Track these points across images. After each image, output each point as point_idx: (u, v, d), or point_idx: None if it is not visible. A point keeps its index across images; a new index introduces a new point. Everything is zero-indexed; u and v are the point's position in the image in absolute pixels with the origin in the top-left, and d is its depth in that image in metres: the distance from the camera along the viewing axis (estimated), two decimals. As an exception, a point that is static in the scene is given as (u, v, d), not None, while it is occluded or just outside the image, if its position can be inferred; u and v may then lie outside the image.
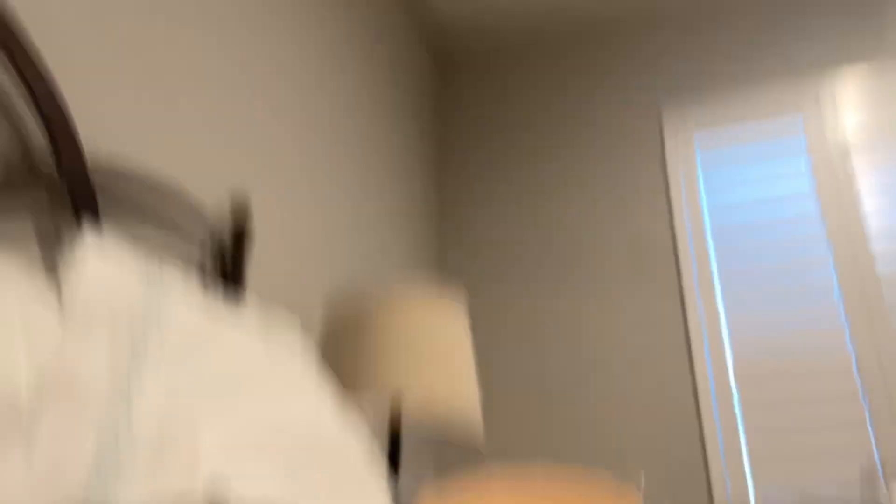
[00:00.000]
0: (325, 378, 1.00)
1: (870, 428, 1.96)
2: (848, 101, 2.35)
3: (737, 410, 2.11)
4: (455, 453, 2.25)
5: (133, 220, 1.28)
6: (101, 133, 1.23)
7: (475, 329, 2.47)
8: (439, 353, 1.45)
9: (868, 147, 2.28)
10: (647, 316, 2.32)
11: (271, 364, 0.89)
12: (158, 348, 0.78)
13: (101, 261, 0.82)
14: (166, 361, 0.78)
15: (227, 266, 1.45)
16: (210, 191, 1.50)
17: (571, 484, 0.40)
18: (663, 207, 2.44)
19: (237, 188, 1.59)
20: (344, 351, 1.47)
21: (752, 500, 1.99)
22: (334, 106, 2.08)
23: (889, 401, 1.98)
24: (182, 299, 0.84)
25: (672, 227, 2.40)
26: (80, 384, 0.72)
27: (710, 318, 2.24)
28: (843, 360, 2.06)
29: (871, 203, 2.20)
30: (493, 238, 2.59)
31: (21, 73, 1.00)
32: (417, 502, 0.41)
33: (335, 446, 0.92)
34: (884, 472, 0.34)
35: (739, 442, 2.07)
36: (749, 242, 2.29)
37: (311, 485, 0.86)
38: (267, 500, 0.77)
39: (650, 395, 2.21)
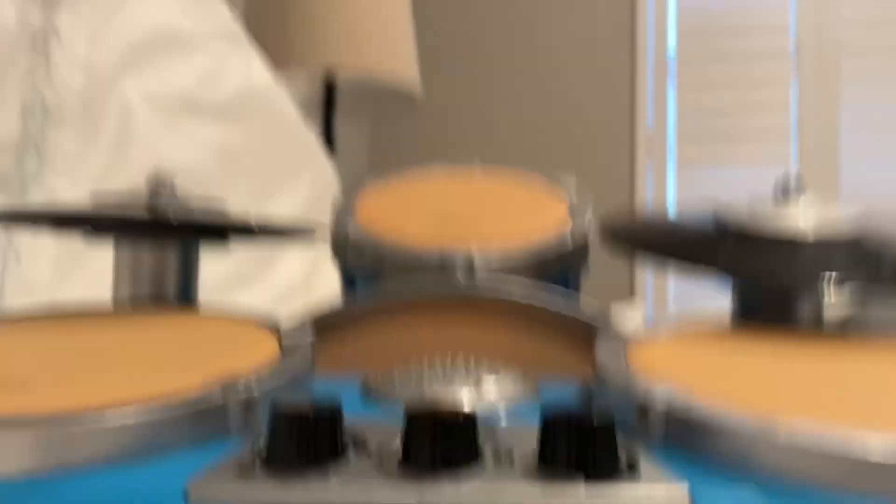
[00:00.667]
0: (252, 44, 0.97)
1: (794, 139, 2.04)
2: None
3: (670, 93, 2.15)
4: (392, 128, 2.29)
5: None
6: None
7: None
8: (376, 17, 1.40)
9: None
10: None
11: (195, 23, 0.85)
12: (69, 2, 0.74)
13: None
14: (83, 13, 0.74)
15: None
16: None
17: (506, 181, 0.42)
18: None
19: None
20: (272, 22, 1.39)
21: (670, 201, 2.12)
22: None
23: (816, 111, 2.03)
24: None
25: None
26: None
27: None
28: (783, 40, 2.07)
29: None
30: None
31: None
32: (356, 192, 0.43)
33: (268, 102, 0.93)
34: (797, 186, 0.37)
35: (667, 142, 2.14)
36: None
37: (245, 141, 0.89)
38: (198, 166, 0.79)
39: (587, 74, 2.22)
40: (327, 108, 1.53)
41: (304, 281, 0.92)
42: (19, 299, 0.62)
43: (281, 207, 0.92)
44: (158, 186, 0.38)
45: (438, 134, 2.32)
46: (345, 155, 2.16)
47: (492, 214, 0.39)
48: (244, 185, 0.86)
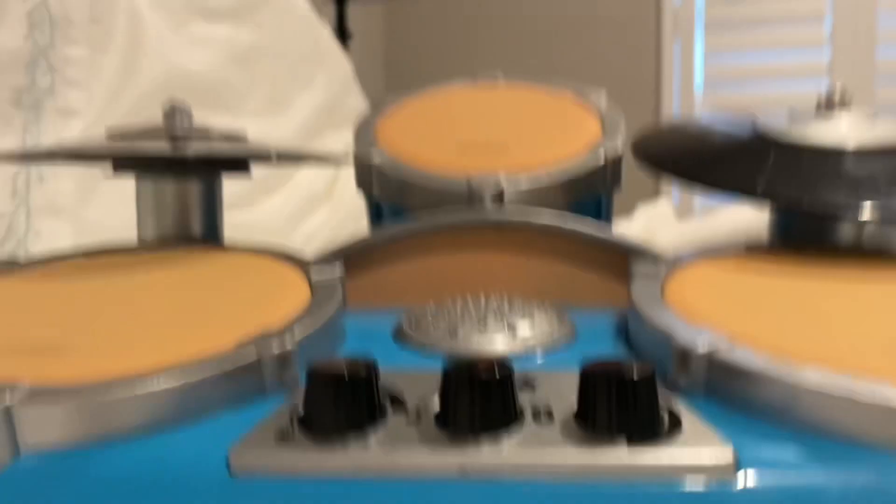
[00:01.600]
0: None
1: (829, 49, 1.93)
2: None
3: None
4: (407, 12, 2.20)
5: None
6: None
7: None
8: None
9: None
10: None
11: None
12: None
13: None
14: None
15: None
16: None
17: (533, 97, 0.40)
18: None
19: None
20: None
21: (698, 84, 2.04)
22: None
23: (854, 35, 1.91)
24: None
25: None
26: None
27: None
28: None
29: None
30: None
31: None
32: (378, 114, 0.41)
33: (280, 1, 0.90)
34: (842, 99, 0.35)
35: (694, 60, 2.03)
36: None
37: (257, 42, 0.86)
38: (211, 71, 0.77)
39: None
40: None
41: (326, 190, 0.91)
42: (46, 221, 0.62)
43: (297, 110, 0.90)
44: (175, 118, 0.37)
45: (457, 22, 2.23)
46: (360, 44, 2.10)
47: (519, 136, 0.37)
48: (258, 88, 0.84)
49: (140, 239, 0.37)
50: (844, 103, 0.35)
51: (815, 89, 0.37)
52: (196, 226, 0.37)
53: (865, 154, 0.32)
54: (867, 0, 1.92)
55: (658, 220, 0.87)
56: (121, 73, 0.71)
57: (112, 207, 0.66)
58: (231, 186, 0.41)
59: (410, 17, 2.28)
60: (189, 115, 0.38)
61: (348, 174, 0.92)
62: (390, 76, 2.28)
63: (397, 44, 2.30)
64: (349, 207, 0.84)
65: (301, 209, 0.83)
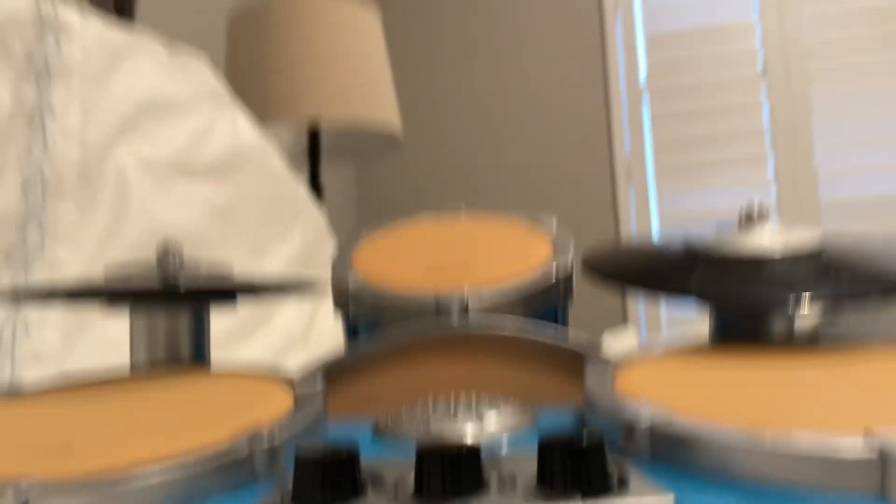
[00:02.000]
0: (237, 102, 1.01)
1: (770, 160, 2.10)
2: None
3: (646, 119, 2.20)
4: (376, 171, 2.33)
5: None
6: None
7: (390, 38, 2.42)
8: (354, 66, 1.44)
9: None
10: (564, 19, 2.30)
11: (182, 88, 0.89)
12: (64, 75, 0.77)
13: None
14: (75, 87, 0.77)
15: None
16: None
17: (491, 224, 0.45)
18: None
19: None
20: (254, 79, 1.43)
21: (655, 227, 2.17)
22: None
23: (788, 130, 2.10)
24: (80, 28, 0.81)
25: None
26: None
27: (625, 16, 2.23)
28: (751, 56, 2.13)
29: None
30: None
31: None
32: (353, 245, 0.46)
33: (257, 158, 0.96)
34: (761, 212, 0.39)
35: (646, 170, 2.19)
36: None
37: (237, 198, 0.92)
38: (193, 226, 0.82)
39: (563, 109, 2.28)
40: (312, 155, 1.57)
41: (303, 332, 0.94)
42: (30, 371, 0.64)
43: (275, 260, 0.94)
44: (167, 254, 0.41)
45: (422, 174, 2.36)
46: (333, 199, 2.19)
47: (480, 258, 0.42)
48: (238, 241, 0.89)
49: (132, 366, 0.40)
50: (763, 216, 0.40)
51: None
52: (185, 353, 0.40)
53: (781, 257, 0.37)
54: (805, 144, 2.08)
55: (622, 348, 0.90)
56: (108, 229, 0.75)
57: (96, 355, 0.69)
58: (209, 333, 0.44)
59: (379, 172, 2.40)
60: (180, 253, 0.42)
61: (324, 317, 0.94)
62: (362, 226, 2.36)
63: (367, 196, 2.41)
64: (326, 349, 0.86)
65: (279, 352, 0.86)
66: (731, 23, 2.16)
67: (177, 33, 1.56)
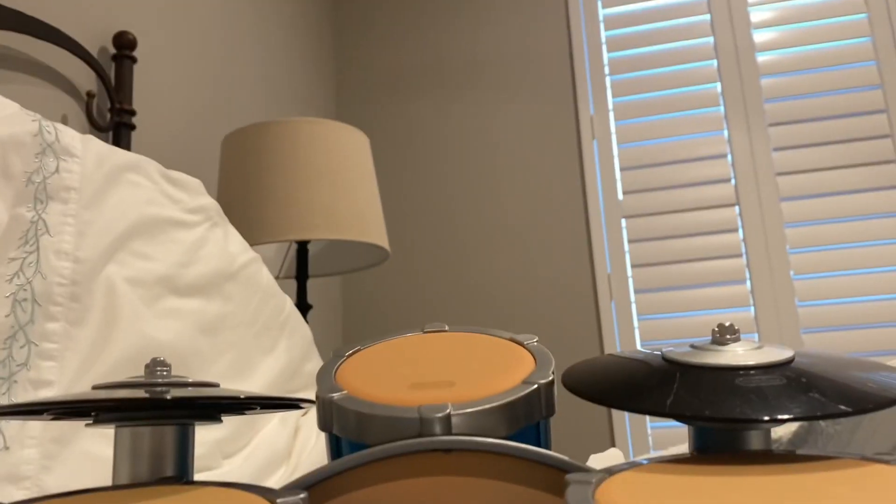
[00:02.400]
0: (228, 222, 1.04)
1: (748, 280, 2.16)
2: None
3: (626, 246, 2.27)
4: (362, 284, 2.37)
5: (9, 66, 1.21)
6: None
7: (376, 158, 2.50)
8: (345, 188, 1.49)
9: (759, -44, 2.31)
10: (543, 143, 2.40)
11: (177, 208, 0.91)
12: (61, 196, 0.79)
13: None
14: (72, 207, 0.80)
15: (115, 112, 1.41)
16: (92, 35, 1.42)
17: (474, 341, 0.47)
18: (561, 21, 2.44)
19: (121, 30, 1.51)
20: (246, 203, 1.47)
21: (638, 342, 2.20)
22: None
23: (763, 253, 2.17)
24: (80, 151, 0.84)
25: (570, 40, 2.42)
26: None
27: (601, 135, 2.33)
28: (724, 172, 2.22)
29: (758, 15, 2.28)
30: (392, 69, 2.55)
31: None
32: (338, 362, 0.47)
33: (247, 277, 0.98)
34: (731, 332, 0.40)
35: (633, 319, 2.24)
36: (644, 57, 2.35)
37: (225, 315, 0.93)
38: (181, 342, 0.82)
39: (545, 228, 2.34)
40: (300, 270, 1.59)
41: (285, 451, 0.93)
42: (6, 488, 0.62)
43: (261, 375, 0.94)
44: (155, 369, 0.41)
45: (407, 290, 2.38)
46: (319, 312, 2.20)
47: (463, 374, 0.43)
48: (225, 357, 0.89)
49: (115, 481, 0.40)
50: (734, 334, 0.42)
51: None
52: (169, 469, 0.40)
53: (754, 372, 0.38)
54: (780, 261, 2.13)
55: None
56: (95, 344, 0.76)
57: (74, 476, 0.68)
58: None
59: (364, 288, 2.42)
60: (168, 368, 0.42)
61: (307, 435, 0.94)
62: (348, 341, 2.36)
63: (352, 312, 2.41)
64: (309, 467, 0.85)
65: (261, 470, 0.84)
66: (702, 142, 2.26)
67: (172, 151, 1.62)
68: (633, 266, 2.23)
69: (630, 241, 2.25)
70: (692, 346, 0.42)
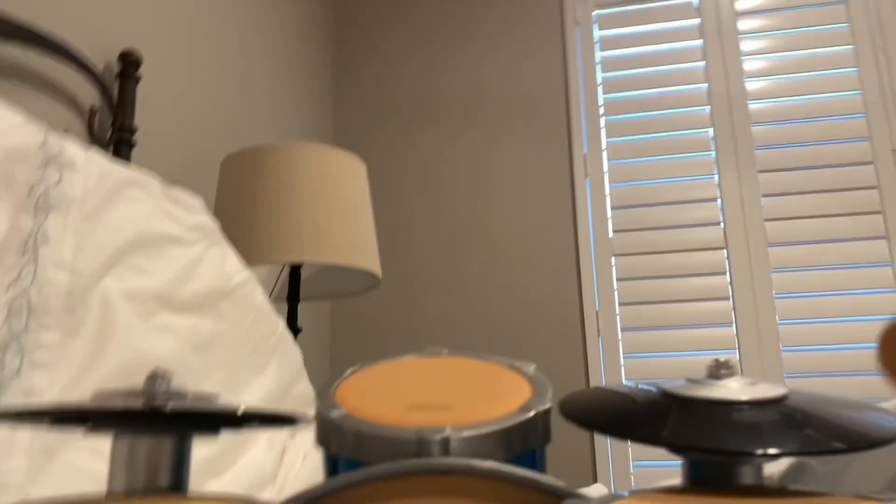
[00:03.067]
0: (225, 242, 1.04)
1: (734, 323, 2.18)
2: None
3: (615, 284, 2.29)
4: (352, 309, 2.37)
5: (15, 79, 1.22)
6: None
7: (371, 186, 2.52)
8: (340, 213, 1.50)
9: (753, 14, 2.37)
10: (537, 181, 2.42)
11: (175, 225, 0.92)
12: (62, 207, 0.80)
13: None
14: (72, 219, 0.80)
15: (116, 128, 1.42)
16: (98, 51, 1.43)
17: (472, 365, 0.48)
18: (558, 62, 2.48)
19: (127, 48, 1.52)
20: (240, 224, 1.48)
21: (624, 378, 2.21)
22: (225, -58, 1.96)
23: (750, 298, 2.19)
24: (83, 163, 0.85)
25: (566, 80, 2.46)
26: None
27: (594, 178, 2.36)
28: (714, 216, 2.25)
29: (751, 65, 2.33)
30: (390, 100, 2.58)
31: None
32: (337, 381, 0.47)
33: (241, 296, 0.98)
34: (728, 367, 0.41)
35: (619, 357, 2.26)
36: (638, 100, 2.39)
37: (218, 333, 0.93)
38: (173, 358, 0.82)
39: (536, 264, 2.36)
40: (292, 293, 1.59)
41: (272, 472, 0.92)
42: (-6, 497, 0.62)
43: (251, 395, 0.94)
44: (155, 380, 0.41)
45: (397, 318, 2.38)
46: (307, 336, 2.20)
47: (462, 398, 0.43)
48: (217, 375, 0.89)
49: (109, 492, 0.40)
50: (729, 369, 0.42)
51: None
52: (165, 480, 0.40)
53: (749, 407, 0.39)
54: (766, 306, 2.15)
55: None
56: (88, 357, 0.75)
57: (60, 488, 0.67)
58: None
59: (354, 313, 2.42)
60: (169, 380, 0.43)
61: (294, 456, 0.93)
62: (335, 366, 2.35)
63: (341, 337, 2.41)
64: (295, 489, 0.85)
65: (247, 491, 0.84)
66: (692, 185, 2.29)
67: (171, 170, 1.62)
68: (620, 304, 2.24)
69: (619, 279, 2.26)
70: (688, 380, 0.42)
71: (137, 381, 0.74)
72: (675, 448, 0.38)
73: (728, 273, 2.20)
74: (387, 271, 2.42)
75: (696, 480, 0.40)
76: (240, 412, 0.41)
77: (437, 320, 2.35)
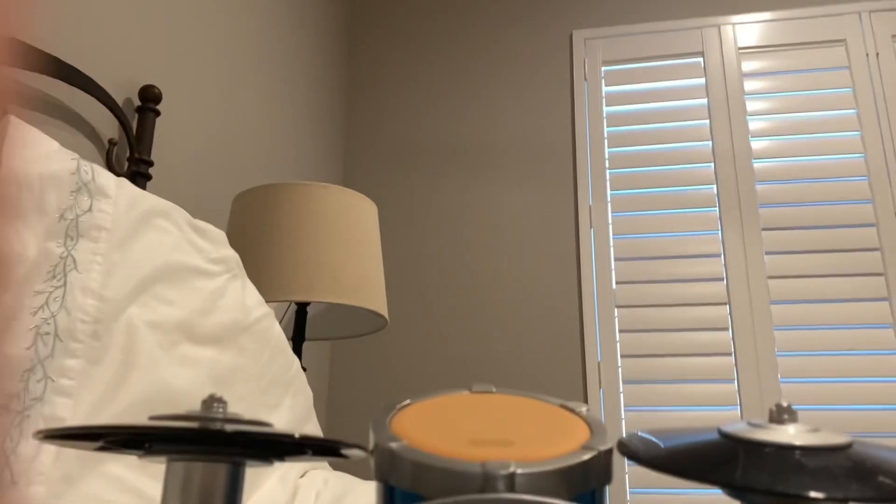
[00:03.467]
0: (246, 275, 1.04)
1: (735, 380, 2.18)
2: (747, 38, 2.47)
3: (617, 334, 2.29)
4: (353, 351, 2.35)
5: (38, 109, 1.23)
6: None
7: (381, 228, 2.53)
8: (351, 254, 1.50)
9: (759, 76, 2.42)
10: (543, 231, 2.44)
11: (200, 257, 0.92)
12: (92, 234, 0.79)
13: (29, 150, 0.81)
14: (101, 246, 0.80)
15: (133, 161, 1.42)
16: (119, 86, 1.45)
17: (527, 403, 0.47)
18: (566, 115, 2.52)
19: (147, 84, 1.54)
20: (253, 262, 1.48)
21: (623, 427, 2.20)
22: (246, 11, 2.00)
23: (753, 355, 2.20)
24: (114, 192, 0.85)
25: (573, 133, 2.49)
26: (9, 264, 0.73)
27: (599, 230, 2.38)
28: (717, 271, 2.26)
29: (756, 124, 2.37)
30: (401, 145, 2.61)
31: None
32: (390, 413, 0.47)
33: (261, 330, 0.98)
34: (789, 412, 0.41)
35: (620, 409, 2.26)
36: (643, 154, 2.42)
37: (237, 366, 0.92)
38: (193, 390, 0.81)
39: (540, 312, 2.36)
40: (297, 332, 1.58)
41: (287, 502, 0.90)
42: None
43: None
44: (212, 403, 0.41)
45: (398, 361, 2.36)
46: (308, 374, 2.17)
47: (522, 435, 0.43)
48: (233, 408, 0.88)
49: (165, 519, 0.39)
50: (791, 414, 0.42)
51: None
52: (220, 508, 0.39)
53: (819, 452, 0.38)
54: (769, 365, 2.14)
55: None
56: (111, 385, 0.74)
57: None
58: None
59: (354, 355, 2.40)
60: (225, 405, 0.42)
61: (306, 495, 0.91)
62: (332, 407, 2.32)
63: (341, 378, 2.38)
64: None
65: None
66: (696, 240, 2.30)
67: (184, 204, 1.63)
68: (622, 356, 2.23)
69: (621, 331, 2.26)
70: (749, 424, 0.42)
71: (159, 411, 0.73)
72: (743, 492, 0.38)
73: (731, 329, 2.20)
74: (390, 312, 2.41)
75: (759, 526, 0.39)
76: (297, 437, 0.40)
77: (438, 364, 2.34)
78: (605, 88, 2.52)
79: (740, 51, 2.46)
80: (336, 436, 2.27)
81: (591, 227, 2.39)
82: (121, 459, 0.72)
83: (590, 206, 2.41)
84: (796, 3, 2.47)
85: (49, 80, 1.25)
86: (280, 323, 1.74)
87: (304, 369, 1.57)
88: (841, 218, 2.22)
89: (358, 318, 1.70)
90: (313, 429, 1.06)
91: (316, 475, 0.99)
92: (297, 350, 1.57)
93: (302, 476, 0.99)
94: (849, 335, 2.11)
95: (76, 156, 0.84)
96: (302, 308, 1.60)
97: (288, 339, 1.62)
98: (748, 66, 2.44)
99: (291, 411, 1.00)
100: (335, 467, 2.28)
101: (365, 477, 2.19)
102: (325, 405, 2.35)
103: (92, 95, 1.32)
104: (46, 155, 0.80)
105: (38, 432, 0.42)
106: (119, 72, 1.45)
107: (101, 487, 0.69)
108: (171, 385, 0.79)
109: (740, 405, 2.12)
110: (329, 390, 2.38)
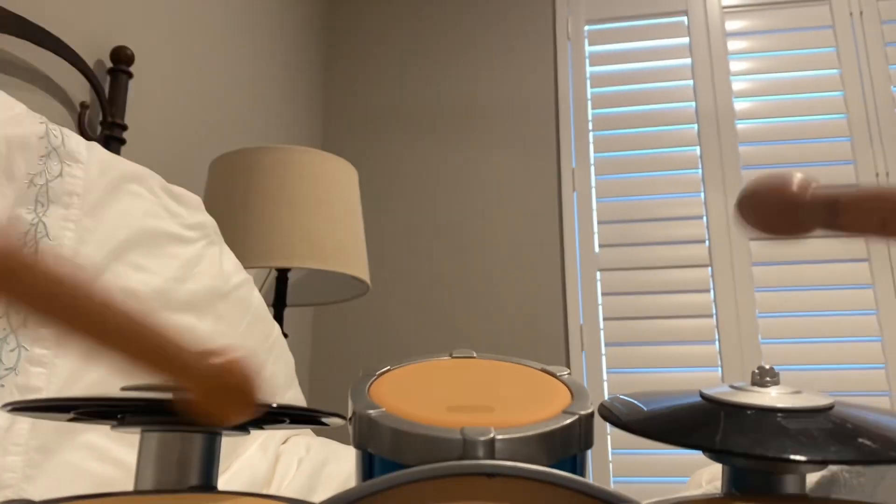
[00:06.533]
0: (223, 241, 1.02)
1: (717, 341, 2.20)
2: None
3: (599, 301, 2.29)
4: (335, 317, 2.35)
5: (5, 71, 1.19)
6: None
7: (361, 192, 2.51)
8: (331, 219, 1.48)
9: (743, 35, 2.40)
10: (525, 195, 2.43)
11: (175, 223, 0.90)
12: (63, 200, 0.78)
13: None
14: (73, 212, 0.78)
15: (106, 125, 1.39)
16: (90, 47, 1.41)
17: (508, 368, 0.47)
18: (549, 76, 2.49)
19: (119, 45, 1.50)
20: (232, 227, 1.46)
21: (605, 390, 2.22)
22: (220, -58, 1.95)
23: (734, 316, 2.21)
24: (85, 157, 0.83)
25: (556, 94, 2.47)
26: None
27: (582, 192, 2.37)
28: (699, 233, 2.27)
29: (739, 85, 2.36)
30: (380, 107, 2.58)
31: None
32: (369, 380, 0.46)
33: (239, 297, 0.96)
34: (772, 375, 0.41)
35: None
36: (626, 116, 2.40)
37: (216, 333, 0.91)
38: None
39: (521, 276, 2.36)
40: (278, 298, 1.57)
41: (265, 478, 0.90)
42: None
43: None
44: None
45: (380, 326, 2.36)
46: (289, 340, 2.17)
47: (502, 400, 0.42)
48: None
49: (137, 487, 0.38)
50: (773, 377, 0.42)
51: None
52: (194, 478, 0.39)
53: (799, 415, 0.38)
54: (749, 326, 2.16)
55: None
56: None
57: (57, 487, 0.65)
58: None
59: (336, 320, 2.39)
60: (199, 375, 0.41)
61: (288, 462, 0.91)
62: (314, 374, 2.32)
63: (323, 344, 2.38)
64: (292, 496, 0.83)
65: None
66: (679, 202, 2.30)
67: (160, 169, 1.60)
68: (605, 319, 2.24)
69: (604, 294, 2.27)
70: (731, 387, 0.42)
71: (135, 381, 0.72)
72: (724, 454, 0.38)
73: (712, 290, 2.21)
74: (371, 278, 2.41)
75: (738, 488, 0.39)
76: (274, 406, 0.40)
77: (421, 329, 2.34)
78: (588, 48, 2.50)
79: (724, 10, 2.43)
80: (320, 401, 2.28)
81: (574, 189, 2.38)
82: (98, 429, 0.71)
83: (573, 169, 2.40)
84: (780, -39, 2.45)
85: (15, 41, 1.21)
86: (261, 289, 1.73)
87: (286, 336, 1.56)
88: (823, 179, 2.22)
89: (339, 283, 1.69)
90: (295, 395, 1.06)
91: (298, 442, 0.99)
92: (279, 316, 1.56)
93: (284, 443, 0.98)
94: (830, 296, 2.13)
95: (45, 119, 0.82)
96: (283, 274, 1.59)
97: (269, 306, 1.61)
98: (732, 24, 2.42)
99: (272, 378, 0.99)
100: (318, 434, 2.29)
101: (349, 443, 2.20)
102: (307, 371, 2.35)
103: (61, 57, 1.28)
104: (13, 118, 0.78)
105: (7, 404, 0.41)
106: (89, 32, 1.41)
107: (80, 456, 0.68)
108: (149, 353, 0.78)
109: (721, 366, 2.14)
110: (312, 356, 2.38)
